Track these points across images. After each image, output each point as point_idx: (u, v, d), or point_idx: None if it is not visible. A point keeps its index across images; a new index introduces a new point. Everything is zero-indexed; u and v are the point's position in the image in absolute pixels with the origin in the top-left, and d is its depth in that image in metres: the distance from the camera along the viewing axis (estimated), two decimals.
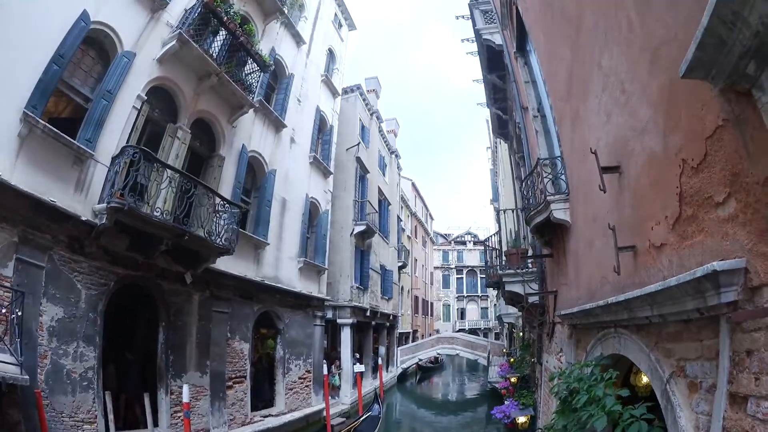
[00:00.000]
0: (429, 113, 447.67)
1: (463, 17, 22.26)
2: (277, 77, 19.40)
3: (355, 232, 26.58)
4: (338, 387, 23.74)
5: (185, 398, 10.87)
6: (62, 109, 10.75)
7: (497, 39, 14.28)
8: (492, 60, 15.61)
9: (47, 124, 8.80)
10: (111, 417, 10.03)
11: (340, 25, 27.83)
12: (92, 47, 10.66)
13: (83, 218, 9.46)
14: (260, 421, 15.46)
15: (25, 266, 8.22)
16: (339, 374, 23.95)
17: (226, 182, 14.57)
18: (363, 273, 28.04)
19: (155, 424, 11.42)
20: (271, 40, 18.20)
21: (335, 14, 27.03)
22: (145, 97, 11.64)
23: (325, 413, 18.49)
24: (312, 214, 21.39)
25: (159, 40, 12.16)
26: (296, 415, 17.61)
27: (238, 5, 15.45)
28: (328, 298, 22.01)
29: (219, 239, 12.13)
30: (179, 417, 11.48)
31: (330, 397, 20.17)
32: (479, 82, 21.47)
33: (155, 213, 10.28)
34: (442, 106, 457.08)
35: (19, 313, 7.52)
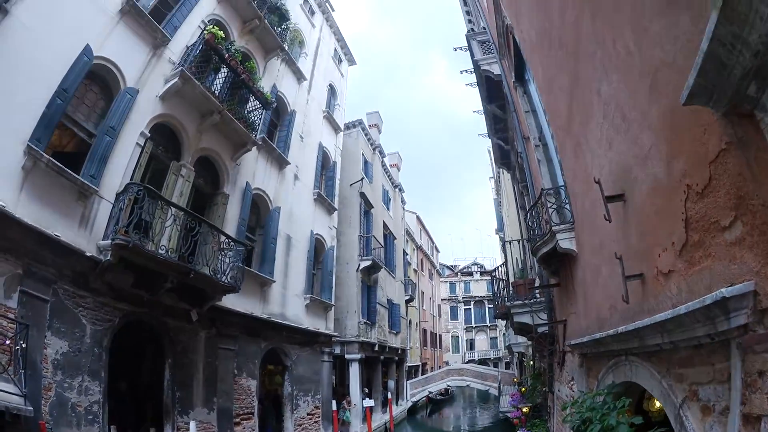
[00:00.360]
0: (431, 145, 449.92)
1: (461, 49, 22.48)
2: (279, 114, 19.59)
3: (361, 268, 26.54)
4: (348, 422, 23.47)
5: None
6: (66, 144, 10.83)
7: (495, 69, 14.36)
8: (491, 90, 15.68)
9: (51, 159, 8.85)
10: None
11: (340, 61, 28.14)
12: (95, 82, 10.80)
13: (88, 254, 9.45)
14: None
15: (30, 299, 8.19)
16: (350, 410, 23.71)
17: (231, 220, 14.60)
18: (370, 308, 27.95)
19: None
20: (273, 76, 18.40)
21: (335, 50, 27.36)
22: (149, 134, 11.73)
23: None
24: (317, 250, 21.40)
25: (161, 76, 12.31)
26: None
27: (239, 42, 15.69)
28: (335, 334, 21.92)
29: (224, 277, 12.11)
30: None
31: None
32: (480, 113, 21.60)
33: (160, 251, 10.30)
34: (444, 138, 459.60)
35: (24, 345, 7.50)
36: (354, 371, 24.91)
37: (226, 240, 12.58)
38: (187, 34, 13.47)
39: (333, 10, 26.83)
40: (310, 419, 18.59)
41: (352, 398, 24.26)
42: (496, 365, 64.65)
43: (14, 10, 8.59)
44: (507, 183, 25.49)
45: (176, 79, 12.12)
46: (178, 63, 12.72)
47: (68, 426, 8.69)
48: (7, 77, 8.35)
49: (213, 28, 13.26)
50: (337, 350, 23.77)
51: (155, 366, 12.13)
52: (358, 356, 24.92)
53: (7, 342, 7.37)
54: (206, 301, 12.34)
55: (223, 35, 13.66)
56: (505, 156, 19.19)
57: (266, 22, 16.82)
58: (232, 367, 14.01)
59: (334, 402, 19.49)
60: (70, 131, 10.26)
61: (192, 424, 11.01)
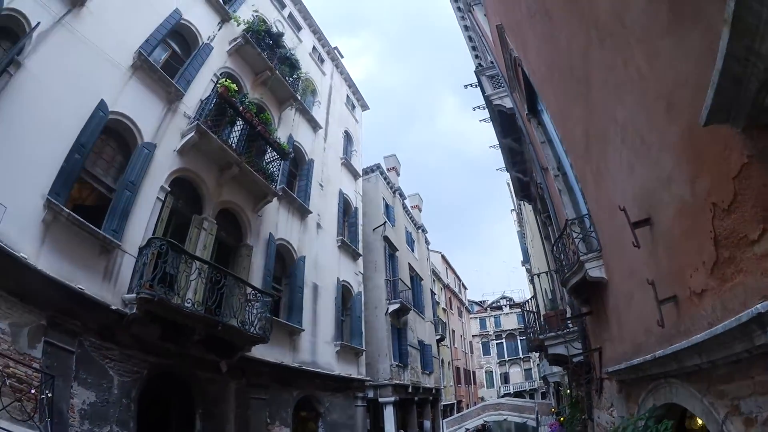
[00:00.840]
0: (449, 183, 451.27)
1: (471, 85, 22.63)
2: (297, 163, 19.78)
3: (389, 311, 26.39)
4: None
5: None
6: (86, 197, 10.97)
7: (507, 102, 14.35)
8: (505, 124, 15.67)
9: (72, 213, 8.95)
10: None
11: (353, 107, 28.44)
12: (112, 137, 11.01)
13: (113, 307, 9.46)
14: None
15: (55, 349, 8.19)
16: None
17: (256, 271, 14.63)
18: (401, 350, 27.69)
19: None
20: (288, 127, 18.65)
21: (347, 96, 27.70)
22: (169, 189, 11.87)
23: None
24: (345, 297, 21.33)
25: (177, 131, 12.53)
26: None
27: (252, 94, 15.95)
28: (368, 378, 21.70)
29: (253, 328, 12.07)
30: None
31: None
32: (496, 148, 21.64)
33: (186, 304, 10.28)
34: (461, 175, 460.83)
35: (50, 395, 7.53)
36: (389, 414, 24.59)
37: (253, 291, 12.57)
38: (200, 87, 13.76)
39: (342, 57, 27.28)
40: None
41: None
42: (532, 396, 63.88)
43: (27, 62, 8.82)
44: (529, 214, 25.37)
45: (192, 134, 12.30)
46: (194, 117, 12.94)
47: None
48: (23, 130, 8.52)
49: (226, 81, 13.50)
50: (371, 394, 23.52)
51: (185, 416, 12.02)
52: (392, 399, 24.63)
53: (32, 391, 7.40)
54: (235, 351, 12.25)
55: (236, 88, 13.91)
56: (525, 188, 19.10)
57: (278, 72, 17.11)
58: (264, 416, 13.87)
59: None
60: (90, 185, 10.44)
61: None
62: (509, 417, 42.01)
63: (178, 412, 12.33)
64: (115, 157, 11.06)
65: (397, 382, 25.52)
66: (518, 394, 65.48)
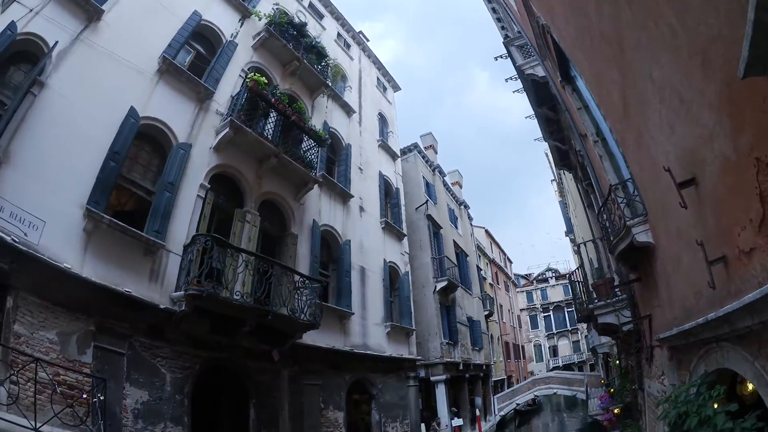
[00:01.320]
0: (487, 158, 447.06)
1: (501, 57, 22.34)
2: (334, 149, 19.82)
3: (437, 289, 26.41)
4: None
5: None
6: (126, 202, 11.21)
7: (539, 71, 14.14)
8: (539, 93, 15.46)
9: (112, 219, 9.17)
10: None
11: (385, 89, 28.32)
12: (146, 142, 11.21)
13: (161, 306, 9.67)
14: None
15: (105, 353, 8.43)
16: (440, 431, 23.39)
17: (303, 258, 14.75)
18: (451, 328, 27.72)
19: None
20: (322, 114, 18.71)
21: (377, 78, 27.55)
22: (208, 186, 12.03)
23: None
24: (392, 277, 21.39)
25: (211, 128, 12.68)
26: None
27: (282, 85, 16.05)
28: (419, 357, 21.77)
29: (303, 315, 12.13)
30: None
31: None
32: (532, 118, 21.33)
33: (235, 296, 10.41)
34: (499, 149, 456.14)
35: (102, 398, 7.70)
36: (440, 392, 24.65)
37: (301, 279, 12.64)
38: (229, 84, 13.88)
39: (368, 41, 27.09)
40: None
41: (441, 419, 24.00)
42: (580, 369, 63.38)
43: (50, 81, 9.02)
44: (570, 183, 25.05)
45: (227, 130, 12.42)
46: (226, 113, 13.07)
47: None
48: (54, 146, 8.75)
49: (254, 75, 13.58)
50: (422, 373, 23.57)
51: (239, 407, 12.22)
52: (443, 377, 24.68)
53: (84, 396, 7.59)
54: (286, 340, 12.36)
55: (266, 81, 13.99)
56: (564, 156, 18.84)
57: (305, 61, 17.12)
58: (317, 401, 14.05)
59: (423, 426, 19.31)
60: (128, 191, 10.66)
61: None
62: (559, 390, 41.88)
63: (232, 403, 12.56)
64: (152, 160, 11.26)
65: (448, 359, 25.56)
66: (567, 367, 64.92)
